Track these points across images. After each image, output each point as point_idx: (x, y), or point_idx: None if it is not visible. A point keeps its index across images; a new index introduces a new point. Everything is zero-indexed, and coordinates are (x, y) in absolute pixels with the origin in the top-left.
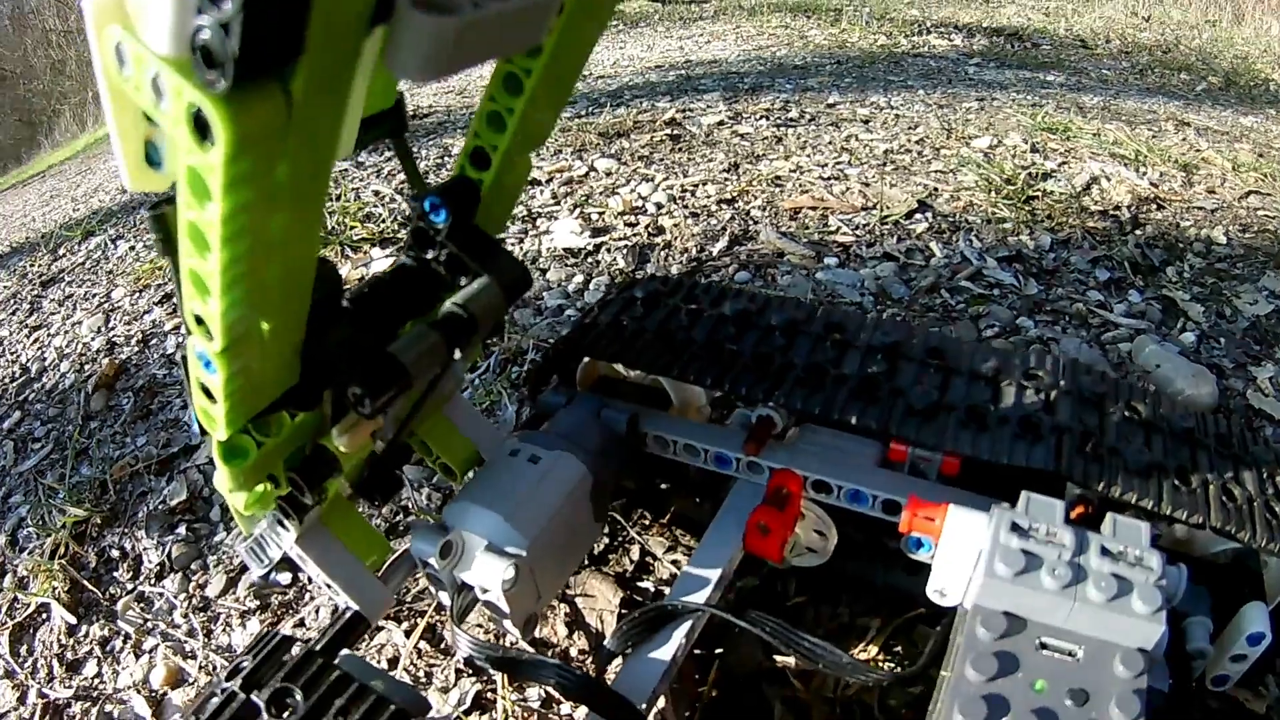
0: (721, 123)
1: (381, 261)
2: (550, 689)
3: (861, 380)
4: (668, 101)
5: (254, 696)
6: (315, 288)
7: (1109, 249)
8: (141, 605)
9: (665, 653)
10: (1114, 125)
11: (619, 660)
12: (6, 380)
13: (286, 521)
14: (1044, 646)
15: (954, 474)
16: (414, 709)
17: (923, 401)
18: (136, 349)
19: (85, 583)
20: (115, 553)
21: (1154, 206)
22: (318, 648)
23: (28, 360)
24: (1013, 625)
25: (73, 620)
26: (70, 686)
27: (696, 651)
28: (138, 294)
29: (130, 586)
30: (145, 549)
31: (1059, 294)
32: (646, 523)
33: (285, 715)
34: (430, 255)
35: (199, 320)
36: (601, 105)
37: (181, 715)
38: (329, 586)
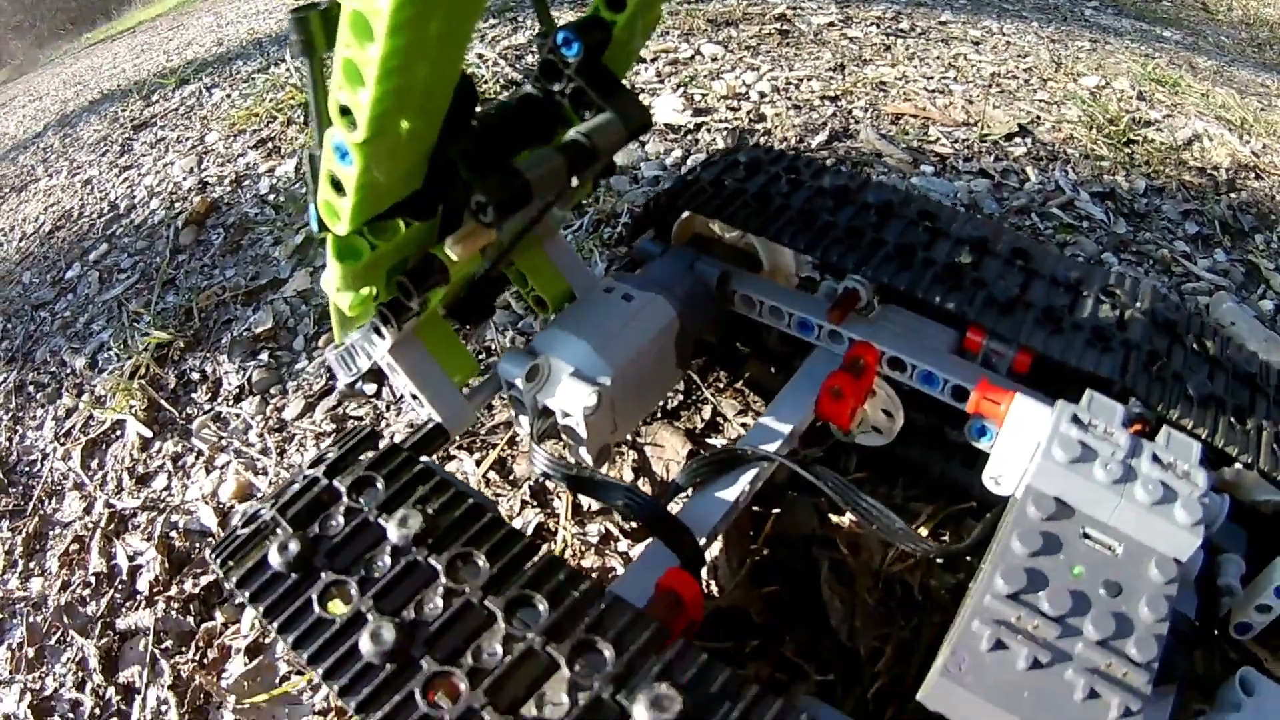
0: (831, 24)
1: None
2: (617, 511)
3: (947, 266)
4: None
5: (336, 482)
6: (452, 100)
7: (1201, 204)
8: (217, 425)
9: (730, 493)
10: (1224, 90)
11: (681, 499)
12: (95, 216)
13: (384, 329)
14: (1087, 536)
15: (1024, 372)
16: (490, 508)
17: (1003, 294)
18: (229, 189)
19: (162, 402)
20: (195, 375)
21: (1252, 175)
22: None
23: (116, 198)
24: (1061, 510)
25: (148, 434)
26: (138, 498)
27: (754, 508)
28: (232, 138)
29: (207, 407)
30: (225, 372)
31: (1146, 238)
32: (721, 385)
33: (368, 495)
34: (557, 88)
35: (344, 111)
36: None
37: (262, 499)
38: (415, 398)
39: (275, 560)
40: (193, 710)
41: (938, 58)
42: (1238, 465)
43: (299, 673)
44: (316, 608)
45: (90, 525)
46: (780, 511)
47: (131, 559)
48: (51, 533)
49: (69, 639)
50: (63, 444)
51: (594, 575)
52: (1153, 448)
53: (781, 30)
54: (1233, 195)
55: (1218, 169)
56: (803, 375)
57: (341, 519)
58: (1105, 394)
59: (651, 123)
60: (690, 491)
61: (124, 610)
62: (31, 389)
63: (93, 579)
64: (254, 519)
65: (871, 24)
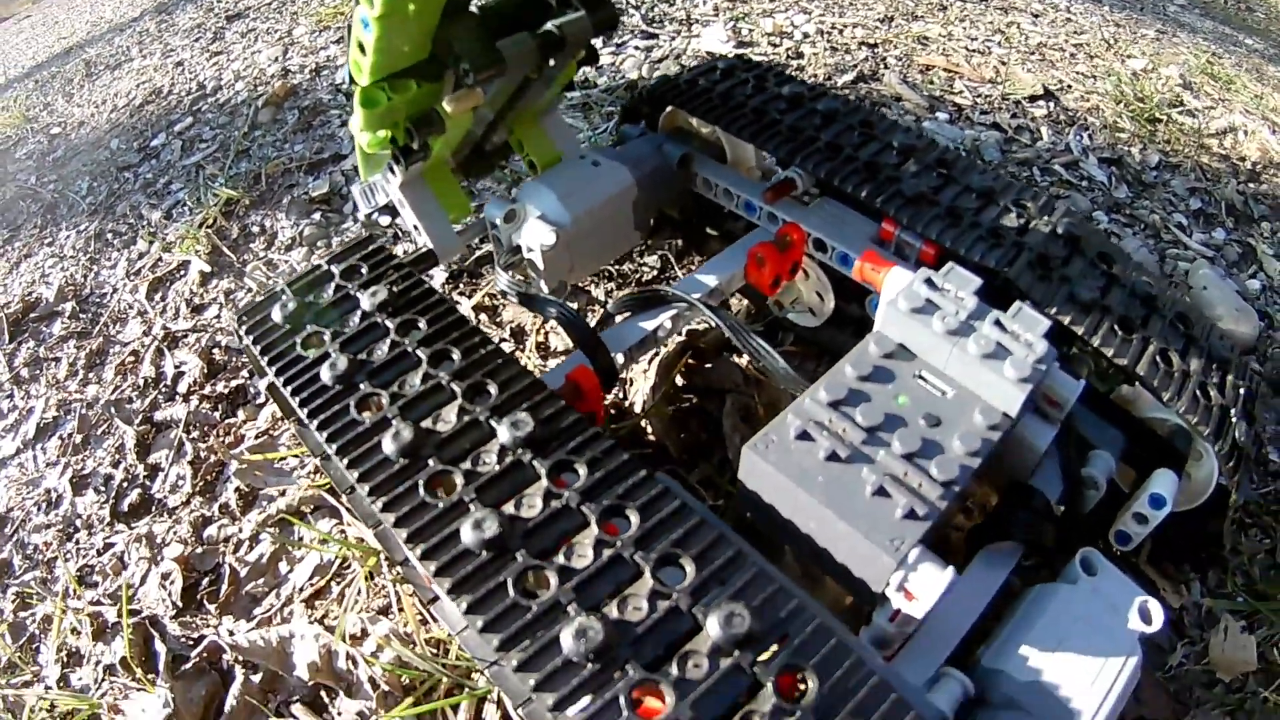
0: None
1: None
2: (554, 321)
3: (868, 164)
4: None
5: (332, 267)
6: None
7: (1213, 186)
8: (268, 268)
9: (649, 324)
10: None
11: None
12: (183, 94)
13: (395, 168)
14: (921, 378)
15: (931, 263)
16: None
17: (912, 191)
18: (308, 77)
19: (224, 248)
20: (255, 228)
21: None
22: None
23: (205, 79)
24: (900, 353)
25: (207, 270)
26: (190, 322)
27: (690, 363)
28: (317, 33)
29: (262, 254)
30: (282, 227)
31: (1144, 205)
32: (693, 266)
33: (353, 279)
34: None
35: None
36: None
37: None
38: (416, 229)
39: (276, 315)
40: (204, 483)
41: (990, 23)
42: (1138, 387)
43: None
44: (299, 349)
45: (146, 343)
46: (710, 366)
47: (176, 367)
48: (112, 350)
49: (113, 428)
50: (132, 280)
51: None
52: (998, 314)
53: None
54: (1252, 185)
55: (1244, 159)
56: (738, 245)
57: (330, 291)
58: (1005, 298)
59: (617, 23)
60: (618, 319)
61: (163, 405)
62: (110, 236)
63: (141, 382)
64: (272, 290)
65: None
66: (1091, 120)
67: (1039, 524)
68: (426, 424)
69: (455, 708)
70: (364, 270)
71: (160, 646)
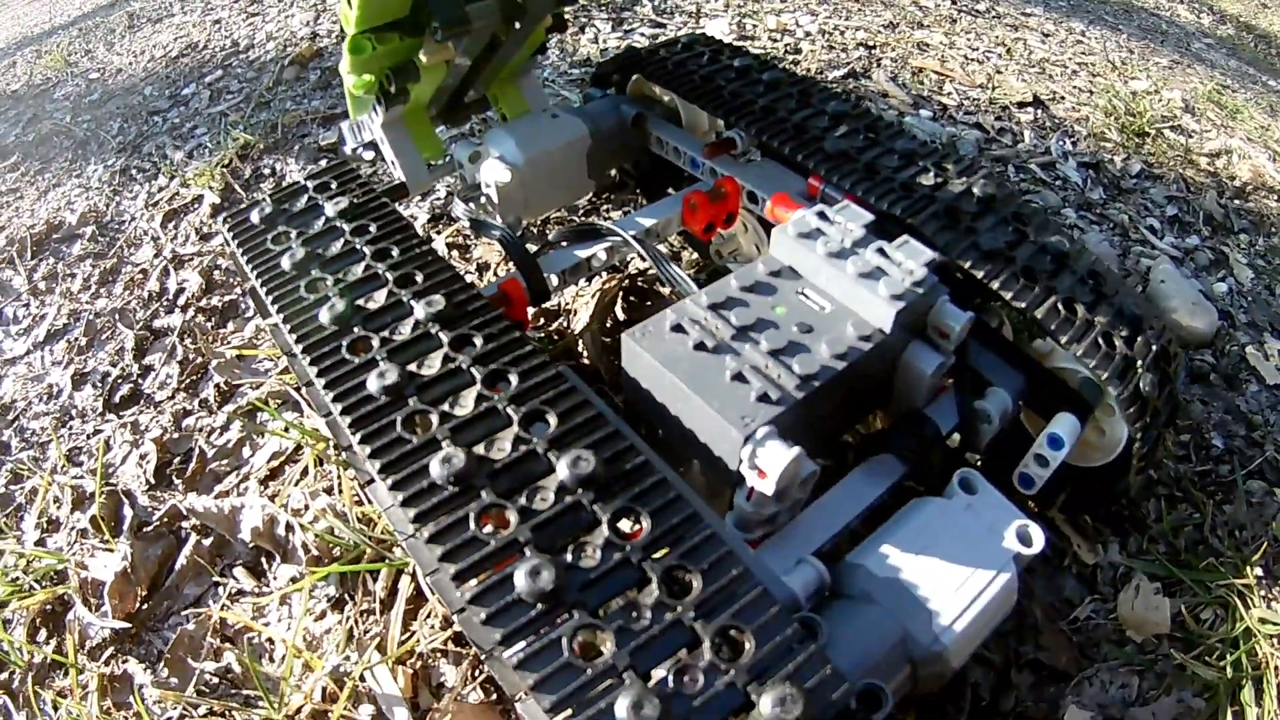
0: None
1: None
2: (496, 244)
3: (799, 125)
4: None
5: (307, 182)
6: None
7: (1193, 198)
8: None
9: (582, 253)
10: None
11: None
12: (217, 49)
13: (378, 108)
14: (803, 294)
15: None
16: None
17: (835, 148)
18: (334, 41)
19: (236, 186)
20: (266, 170)
21: (1271, 195)
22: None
23: (239, 37)
24: (787, 273)
25: (217, 203)
26: (197, 247)
27: (631, 299)
28: None
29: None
30: (290, 170)
31: (1117, 208)
32: None
33: (323, 192)
34: None
35: None
36: None
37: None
38: (393, 164)
39: (254, 217)
40: (190, 380)
41: (996, 37)
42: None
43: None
44: (268, 243)
45: (155, 264)
46: (651, 304)
47: (179, 284)
48: (124, 269)
49: (116, 333)
50: (149, 210)
51: None
52: (882, 243)
53: None
54: (1237, 201)
55: (1234, 179)
56: (678, 195)
57: (303, 201)
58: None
59: None
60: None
61: (162, 315)
62: (134, 171)
63: (146, 295)
64: (255, 199)
65: (951, 1)
66: (1078, 129)
67: (923, 445)
68: (361, 302)
69: (375, 574)
70: (332, 185)
71: (129, 513)
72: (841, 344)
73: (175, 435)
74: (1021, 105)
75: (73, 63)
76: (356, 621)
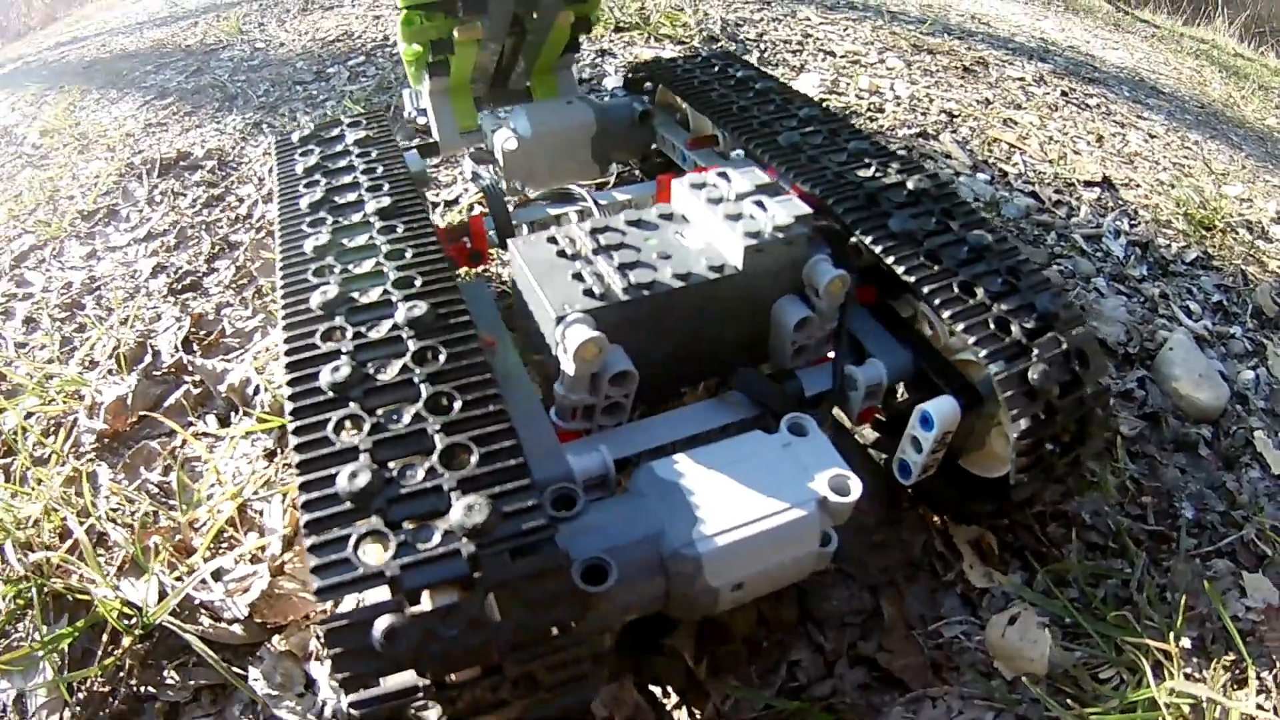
0: (1023, 79)
1: None
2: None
3: (765, 123)
4: (1000, 55)
5: (344, 119)
6: None
7: (1247, 291)
8: None
9: (554, 211)
10: None
11: None
12: (369, 40)
13: (426, 78)
14: (680, 234)
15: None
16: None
17: (787, 142)
18: None
19: None
20: None
21: None
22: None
23: (391, 34)
24: (677, 218)
25: None
26: None
27: None
28: None
29: None
30: None
31: (1155, 287)
32: None
33: (353, 128)
34: None
35: None
36: (938, 32)
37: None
38: (432, 126)
39: (294, 138)
40: (240, 282)
41: (1094, 128)
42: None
43: None
44: (295, 156)
45: (253, 197)
46: None
47: (263, 215)
48: (227, 198)
49: (200, 241)
50: (266, 159)
51: None
52: (760, 196)
53: (968, 68)
54: None
55: None
56: (659, 180)
57: (334, 131)
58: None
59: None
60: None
61: (240, 233)
62: (264, 126)
63: (234, 218)
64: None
65: (1063, 90)
66: (1141, 213)
67: (771, 390)
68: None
69: None
70: (362, 123)
71: (148, 359)
72: (684, 267)
73: (211, 317)
74: (1089, 184)
75: (244, 31)
76: (278, 471)
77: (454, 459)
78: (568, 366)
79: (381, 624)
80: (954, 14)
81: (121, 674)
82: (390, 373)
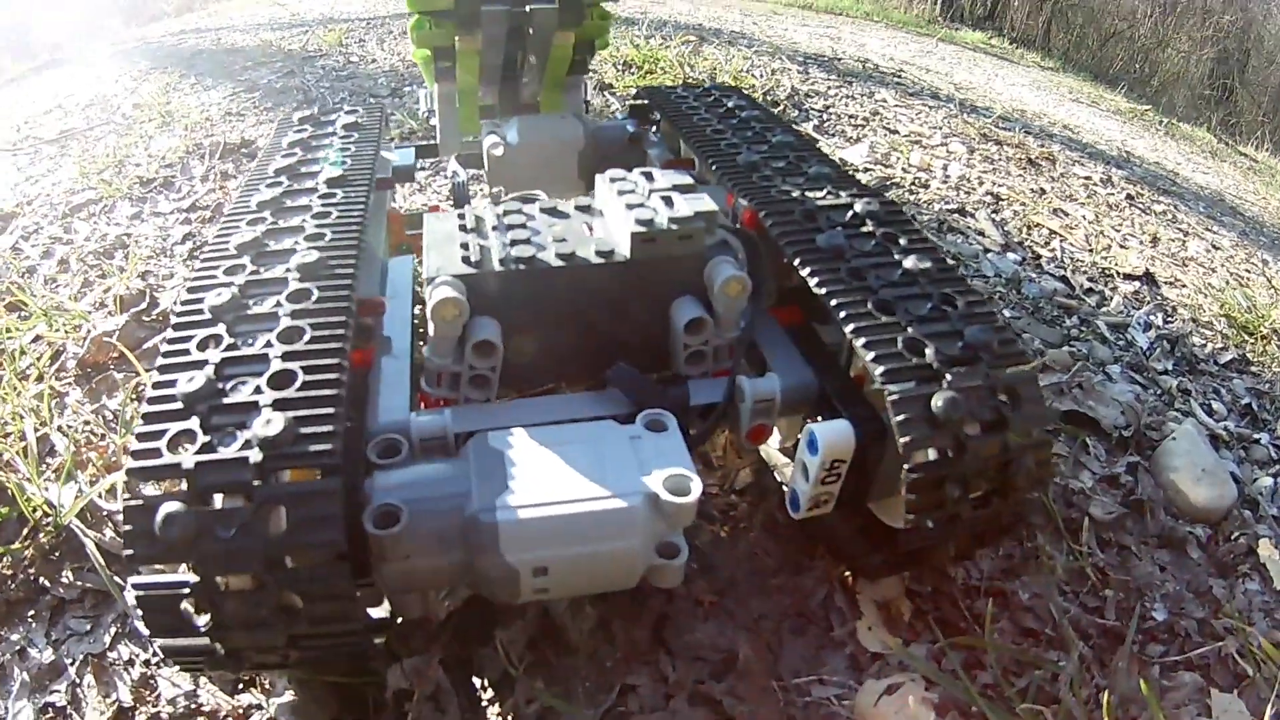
0: (1089, 178)
1: None
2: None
3: (731, 146)
4: (1073, 155)
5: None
6: None
7: None
8: None
9: None
10: None
11: None
12: None
13: (434, 81)
14: (587, 224)
15: (749, 224)
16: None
17: (745, 162)
18: None
19: None
20: None
21: None
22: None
23: None
24: (591, 210)
25: None
26: None
27: None
28: None
29: None
30: None
31: (1177, 381)
32: None
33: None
34: None
35: None
36: (1015, 128)
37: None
38: (437, 127)
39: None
40: None
41: (1151, 231)
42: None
43: None
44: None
45: None
46: None
47: None
48: None
49: None
50: None
51: None
52: (668, 193)
53: (1033, 160)
54: None
55: None
56: None
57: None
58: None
59: (582, 20)
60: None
61: None
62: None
63: None
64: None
65: (1129, 194)
66: (1181, 310)
67: (653, 392)
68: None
69: None
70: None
71: (144, 305)
72: (568, 249)
73: None
74: (1128, 277)
75: (344, 44)
76: None
77: (280, 383)
78: (429, 326)
79: (164, 509)
80: (1042, 120)
81: (25, 563)
82: (265, 306)
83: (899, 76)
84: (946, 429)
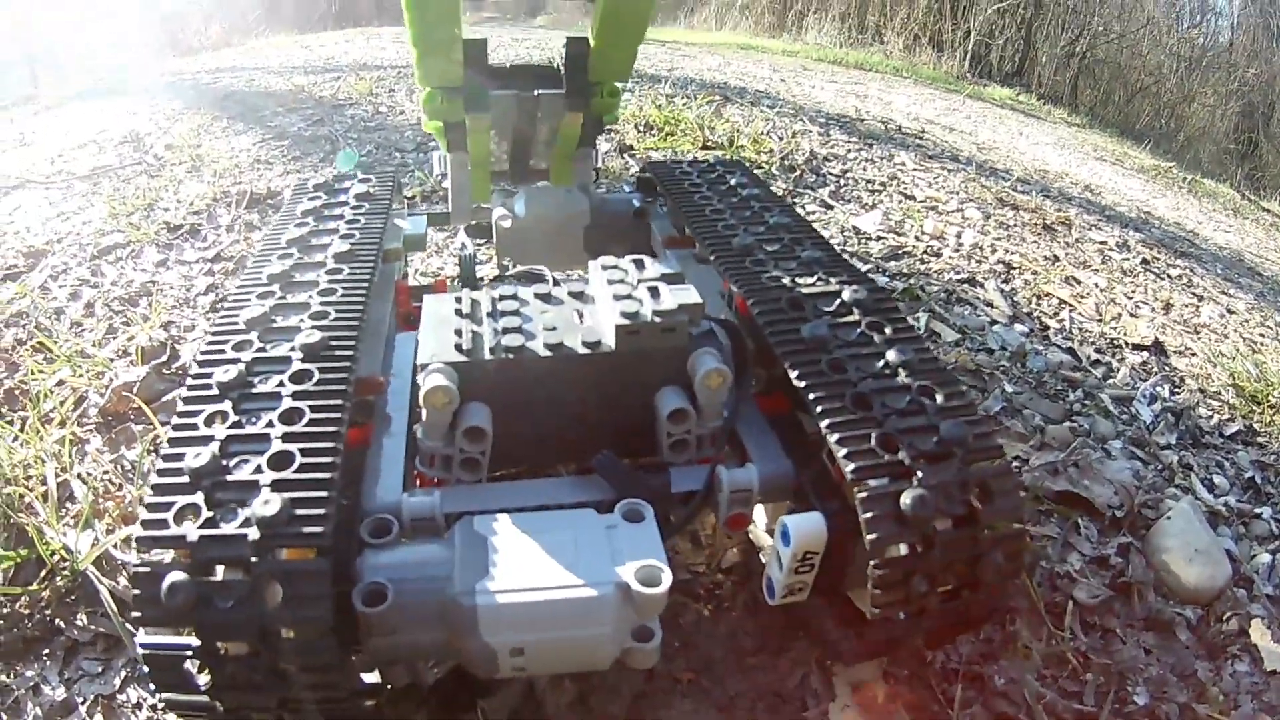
0: (1105, 242)
1: None
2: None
3: (728, 226)
4: (1090, 218)
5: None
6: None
7: None
8: None
9: None
10: None
11: None
12: None
13: (446, 150)
14: (578, 312)
15: (740, 311)
16: None
17: (739, 245)
18: None
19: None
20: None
21: None
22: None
23: None
24: (584, 296)
25: None
26: None
27: None
28: None
29: None
30: None
31: (1178, 455)
32: None
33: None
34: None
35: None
36: (1033, 191)
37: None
38: (448, 194)
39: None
40: None
41: (1165, 297)
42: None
43: None
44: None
45: None
46: None
47: None
48: None
49: None
50: None
51: None
52: (655, 284)
53: (1048, 225)
54: None
55: None
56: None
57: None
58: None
59: (589, 101)
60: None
61: None
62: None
63: None
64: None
65: (1145, 259)
66: (1189, 380)
67: (634, 480)
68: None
69: None
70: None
71: (165, 358)
72: (558, 342)
73: None
74: (1137, 347)
75: (373, 95)
76: None
77: (279, 464)
78: (422, 411)
79: (169, 578)
80: (1063, 181)
81: (42, 604)
82: (269, 385)
83: (920, 138)
84: (914, 526)
